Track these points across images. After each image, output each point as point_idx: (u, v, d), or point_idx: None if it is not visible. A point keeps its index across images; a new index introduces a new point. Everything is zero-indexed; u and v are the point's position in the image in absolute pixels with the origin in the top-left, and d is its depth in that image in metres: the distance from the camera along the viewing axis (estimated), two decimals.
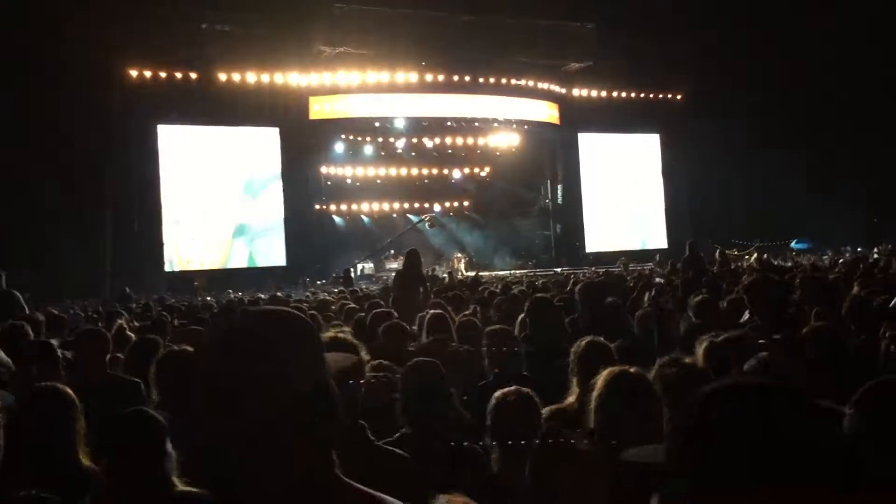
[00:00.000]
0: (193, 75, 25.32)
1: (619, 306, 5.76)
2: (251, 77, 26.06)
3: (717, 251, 14.18)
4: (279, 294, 16.57)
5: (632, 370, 2.69)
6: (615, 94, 31.56)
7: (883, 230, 27.11)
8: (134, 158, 24.78)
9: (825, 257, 18.38)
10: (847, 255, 18.83)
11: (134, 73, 24.64)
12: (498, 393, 2.88)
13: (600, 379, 2.68)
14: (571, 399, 3.29)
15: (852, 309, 4.96)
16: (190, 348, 3.65)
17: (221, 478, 1.33)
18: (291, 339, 1.31)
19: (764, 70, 29.50)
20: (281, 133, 27.34)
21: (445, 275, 22.10)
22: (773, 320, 4.19)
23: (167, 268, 25.41)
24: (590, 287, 6.46)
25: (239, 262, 26.92)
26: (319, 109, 27.58)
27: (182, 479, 2.45)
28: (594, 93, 31.33)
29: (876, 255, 16.79)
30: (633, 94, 31.80)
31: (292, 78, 26.70)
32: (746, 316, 6.24)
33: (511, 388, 2.91)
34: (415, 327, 6.50)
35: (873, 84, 28.65)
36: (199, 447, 1.34)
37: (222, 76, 25.71)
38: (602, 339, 3.56)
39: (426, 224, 31.98)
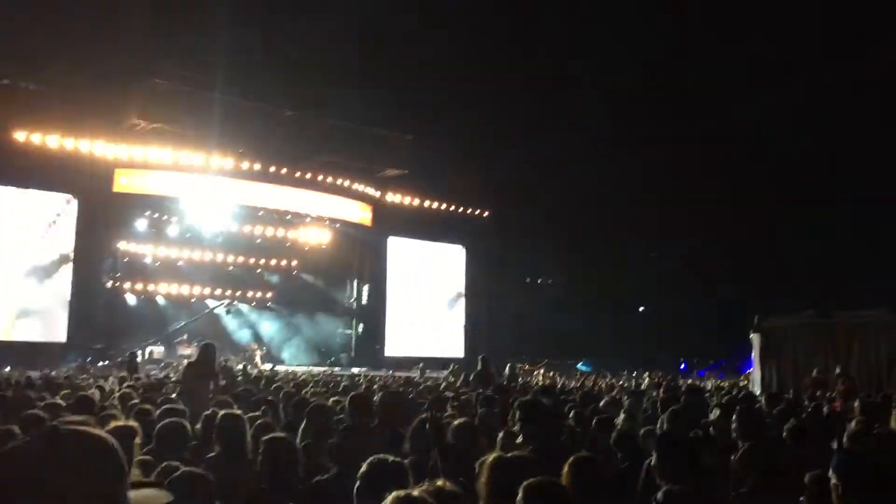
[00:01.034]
0: None
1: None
2: (53, 140, 24.58)
3: (507, 366, 14.72)
4: (52, 374, 15.34)
5: (415, 494, 2.68)
6: (427, 203, 32.66)
7: (657, 356, 29.38)
8: None
9: (603, 381, 19.60)
10: (623, 380, 20.21)
11: None
12: None
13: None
14: None
15: (618, 440, 5.32)
16: None
17: None
18: (87, 461, 1.27)
19: (567, 196, 31.71)
20: (80, 202, 25.80)
21: (239, 367, 21.44)
22: (544, 444, 4.40)
23: None
24: (356, 398, 6.52)
25: (11, 333, 24.61)
26: (126, 183, 26.41)
27: None
28: (407, 200, 32.25)
29: (646, 382, 18.15)
30: (443, 206, 33.05)
31: (98, 147, 25.45)
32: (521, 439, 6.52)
33: None
34: (198, 426, 6.26)
35: (662, 219, 31.66)
36: None
37: (20, 135, 24.09)
38: (392, 458, 3.55)
39: (224, 310, 31.01)
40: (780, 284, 27.44)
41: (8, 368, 17.34)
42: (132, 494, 1.33)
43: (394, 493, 2.62)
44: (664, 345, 30.77)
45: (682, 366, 30.17)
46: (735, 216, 30.74)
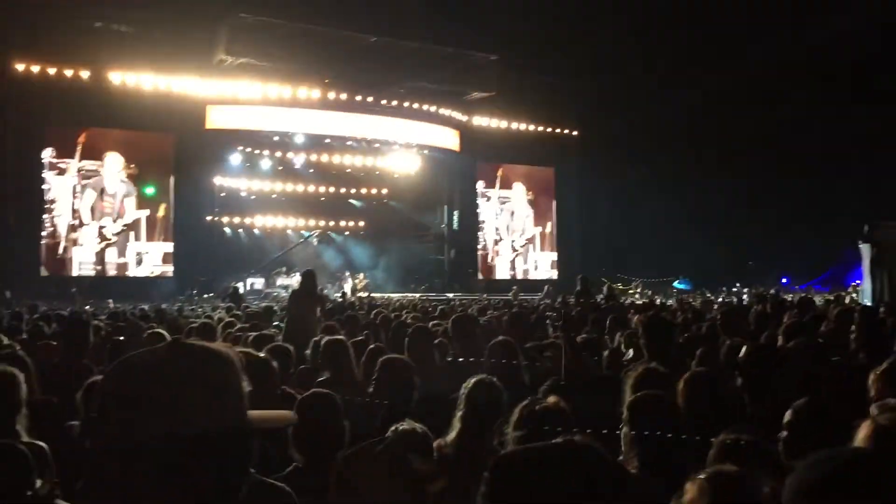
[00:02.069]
0: (85, 74, 24.30)
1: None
2: (147, 80, 25.21)
3: (605, 286, 14.58)
4: (164, 307, 16.02)
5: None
6: (514, 125, 32.22)
7: (756, 272, 28.60)
8: (14, 156, 23.54)
9: (702, 299, 19.22)
10: (723, 297, 19.77)
11: (20, 67, 23.46)
12: (393, 427, 2.87)
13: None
14: (452, 435, 3.31)
15: (728, 354, 5.16)
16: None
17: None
18: (220, 375, 1.29)
19: (657, 113, 30.71)
20: (175, 140, 26.53)
21: (337, 294, 21.97)
22: (664, 361, 4.30)
23: (44, 272, 24.25)
24: (463, 319, 6.55)
25: (123, 269, 25.88)
26: (217, 119, 26.96)
27: None
28: (494, 122, 31.89)
29: (745, 298, 17.71)
30: (531, 127, 32.55)
31: (190, 85, 25.98)
32: (630, 354, 6.43)
33: (406, 421, 2.90)
34: (308, 351, 6.43)
35: (756, 132, 30.36)
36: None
37: (116, 77, 24.78)
38: (490, 377, 3.59)
39: (315, 239, 31.63)
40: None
41: (110, 302, 18.20)
42: (254, 413, 1.32)
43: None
44: (763, 259, 29.88)
45: (784, 280, 29.28)
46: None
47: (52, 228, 24.84)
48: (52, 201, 24.87)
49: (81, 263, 25.16)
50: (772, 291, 19.39)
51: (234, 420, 1.27)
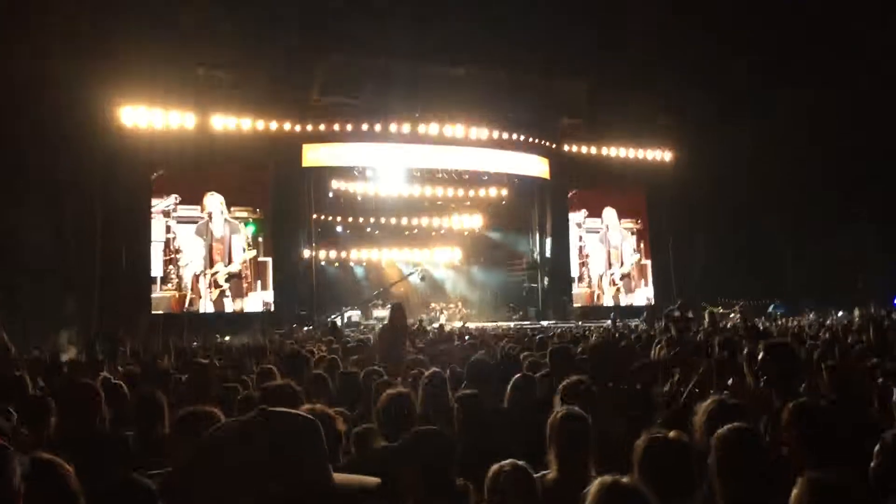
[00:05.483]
0: (189, 120, 25.50)
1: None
2: (245, 123, 26.26)
3: (706, 311, 14.20)
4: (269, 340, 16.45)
5: (625, 482, 2.51)
6: (604, 151, 31.94)
7: (860, 293, 27.23)
8: (124, 197, 24.73)
9: (807, 320, 18.46)
10: (833, 318, 18.94)
11: (128, 115, 24.78)
12: (495, 466, 2.89)
13: (592, 490, 2.52)
14: (550, 473, 3.29)
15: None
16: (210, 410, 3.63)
17: None
18: (306, 443, 1.31)
19: (749, 136, 29.89)
20: (273, 179, 27.44)
21: (434, 326, 22.15)
22: (783, 389, 4.11)
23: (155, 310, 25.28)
24: (561, 351, 6.42)
25: (225, 305, 26.74)
26: (313, 157, 27.81)
27: None
28: (584, 149, 31.69)
29: (857, 319, 16.90)
30: (622, 152, 32.18)
31: (286, 125, 26.94)
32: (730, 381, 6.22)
33: (507, 461, 2.91)
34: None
35: (852, 152, 29.15)
36: None
37: (217, 121, 25.91)
38: (577, 408, 3.54)
39: (418, 276, 32.01)
40: None
41: (227, 338, 18.85)
42: (338, 478, 1.34)
43: (600, 480, 2.49)
44: (869, 277, 28.40)
45: None
46: None
47: (177, 279, 25.73)
48: (178, 251, 25.82)
49: (189, 300, 26.04)
50: (882, 312, 18.49)
51: (320, 486, 1.29)
